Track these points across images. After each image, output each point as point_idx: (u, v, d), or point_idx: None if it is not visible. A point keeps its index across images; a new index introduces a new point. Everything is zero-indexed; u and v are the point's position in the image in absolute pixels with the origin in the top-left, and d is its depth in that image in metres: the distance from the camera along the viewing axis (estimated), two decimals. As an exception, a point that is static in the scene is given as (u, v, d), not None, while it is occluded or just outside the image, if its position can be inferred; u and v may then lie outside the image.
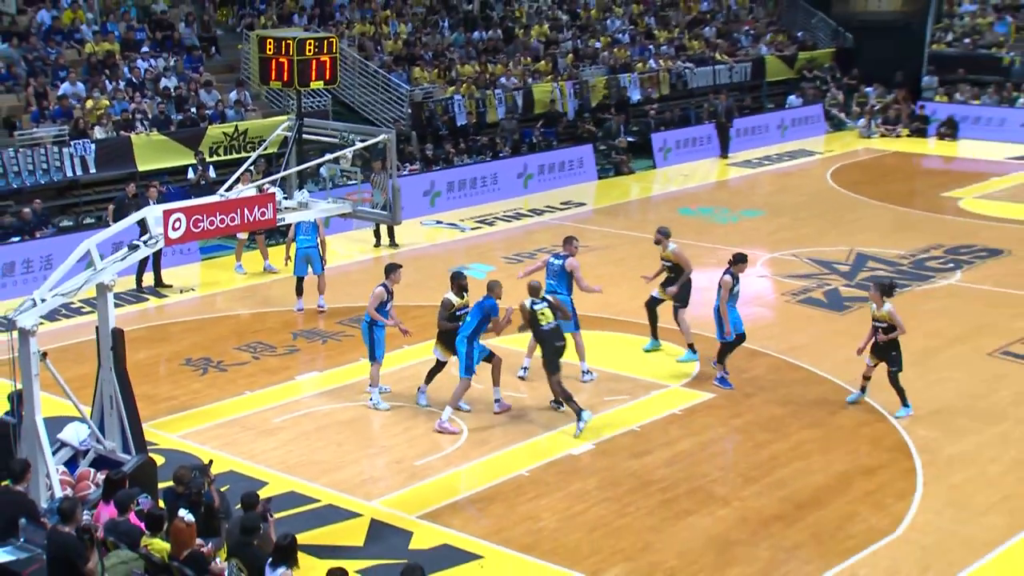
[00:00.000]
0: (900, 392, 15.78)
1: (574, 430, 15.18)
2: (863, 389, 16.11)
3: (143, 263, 21.26)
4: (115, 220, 20.08)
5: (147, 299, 21.22)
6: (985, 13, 41.59)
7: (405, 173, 27.45)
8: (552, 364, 15.28)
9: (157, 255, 21.32)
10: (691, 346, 17.71)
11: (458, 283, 15.83)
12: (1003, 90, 38.32)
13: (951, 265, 22.95)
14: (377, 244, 24.51)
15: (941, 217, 27.31)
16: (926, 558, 12.25)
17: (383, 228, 24.48)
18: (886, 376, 15.76)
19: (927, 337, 18.78)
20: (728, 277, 16.44)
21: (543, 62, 35.14)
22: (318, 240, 20.12)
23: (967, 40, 40.82)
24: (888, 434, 15.29)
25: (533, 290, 15.62)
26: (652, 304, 18.03)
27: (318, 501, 13.48)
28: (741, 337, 16.70)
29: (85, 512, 11.47)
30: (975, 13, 41.80)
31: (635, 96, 35.65)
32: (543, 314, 15.40)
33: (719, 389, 16.65)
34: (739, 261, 16.67)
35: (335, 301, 20.63)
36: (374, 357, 16.04)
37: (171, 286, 21.74)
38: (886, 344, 15.68)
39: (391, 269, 16.16)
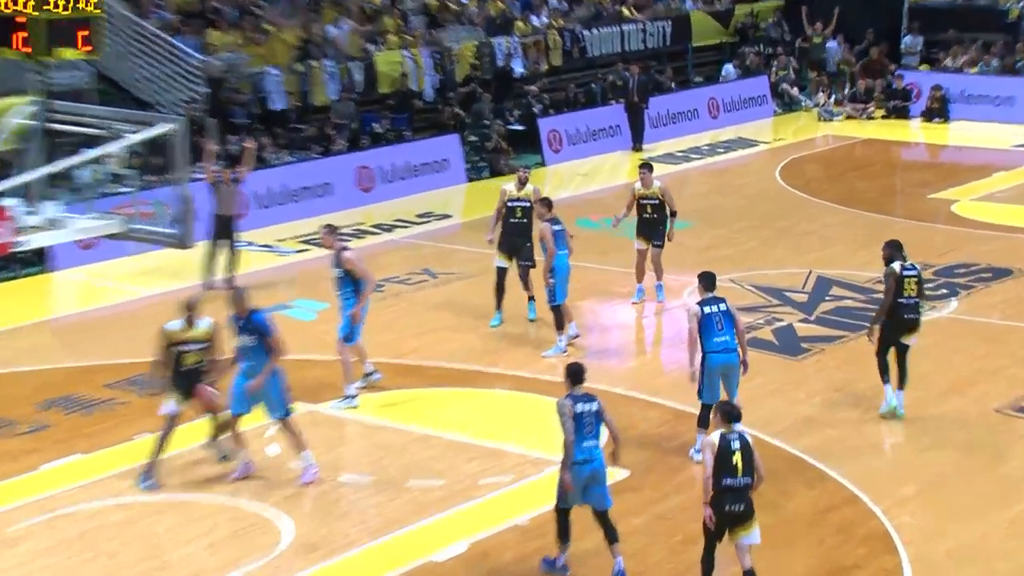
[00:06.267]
0: None
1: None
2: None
3: None
4: None
5: None
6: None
7: (201, 176, 27.19)
8: None
9: None
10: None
11: None
12: (1009, 54, 38.96)
13: (944, 291, 23.39)
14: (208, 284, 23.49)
15: (929, 226, 27.91)
16: None
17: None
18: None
19: (913, 389, 19.06)
20: None
21: (389, 20, 35.12)
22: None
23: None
24: (872, 529, 15.48)
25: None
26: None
27: (80, 637, 13.29)
28: None
29: None
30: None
31: (518, 69, 35.83)
32: None
33: (635, 466, 16.65)
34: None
35: (104, 357, 20.41)
36: None
37: None
38: None
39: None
